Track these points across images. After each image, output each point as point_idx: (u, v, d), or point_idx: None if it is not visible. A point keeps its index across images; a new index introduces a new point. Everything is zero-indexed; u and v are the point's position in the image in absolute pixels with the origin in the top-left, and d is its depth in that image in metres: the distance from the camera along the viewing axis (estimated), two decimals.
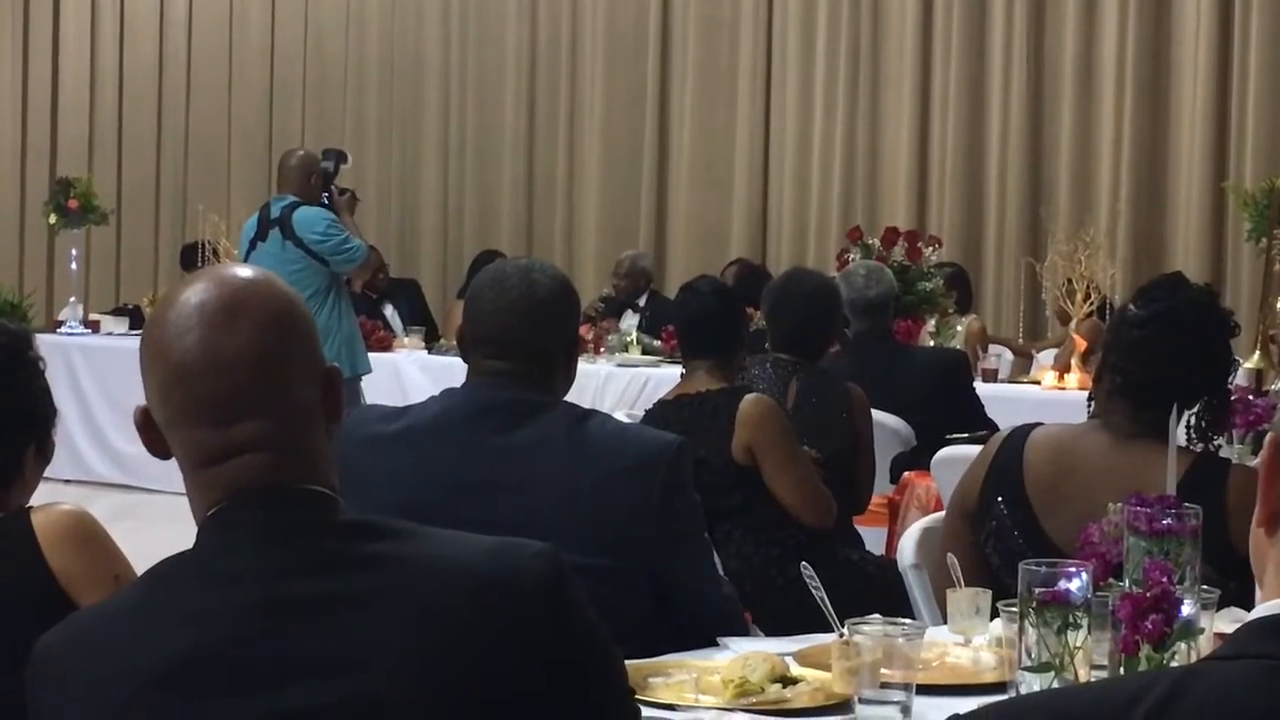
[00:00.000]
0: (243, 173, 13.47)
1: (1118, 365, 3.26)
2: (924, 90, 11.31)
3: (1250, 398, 3.64)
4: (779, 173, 11.85)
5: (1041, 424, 3.37)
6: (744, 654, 2.68)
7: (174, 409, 1.75)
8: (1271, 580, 1.36)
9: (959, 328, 9.22)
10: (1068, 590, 2.33)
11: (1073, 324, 8.20)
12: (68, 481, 9.63)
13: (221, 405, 1.74)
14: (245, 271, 1.82)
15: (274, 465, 1.74)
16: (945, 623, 3.05)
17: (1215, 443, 3.38)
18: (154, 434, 1.78)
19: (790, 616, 3.77)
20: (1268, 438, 1.39)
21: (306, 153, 8.36)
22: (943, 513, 3.72)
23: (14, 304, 10.36)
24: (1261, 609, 1.33)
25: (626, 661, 1.92)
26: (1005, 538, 3.26)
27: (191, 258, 11.48)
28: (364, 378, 8.10)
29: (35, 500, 2.93)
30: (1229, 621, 2.45)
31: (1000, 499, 3.28)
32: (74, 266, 11.08)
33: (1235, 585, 2.71)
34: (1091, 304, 8.11)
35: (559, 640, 1.70)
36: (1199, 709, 1.26)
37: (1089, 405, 3.41)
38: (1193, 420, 3.32)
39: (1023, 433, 3.34)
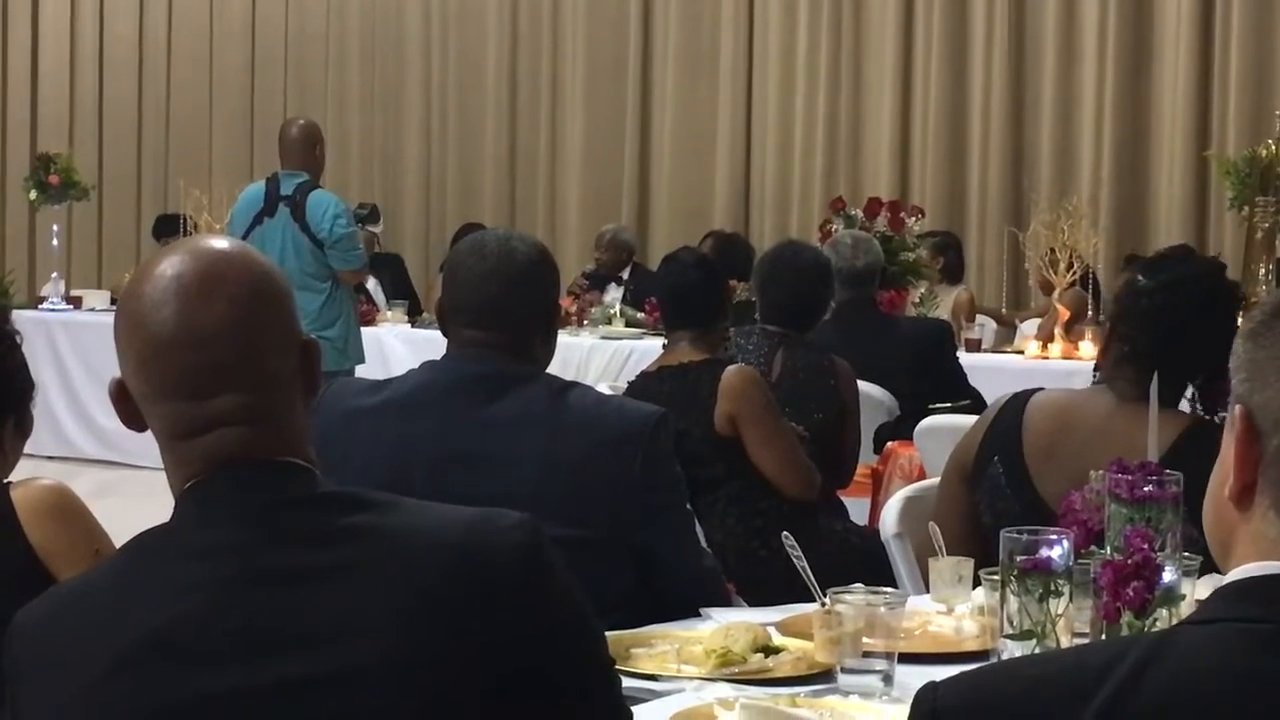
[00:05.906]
0: (224, 147, 13.44)
1: (1125, 334, 3.27)
2: (905, 61, 11.30)
3: None
4: (761, 145, 11.84)
5: (1044, 388, 3.38)
6: (726, 624, 2.68)
7: (151, 382, 1.74)
8: (1243, 548, 1.36)
9: (942, 299, 9.22)
10: (1049, 558, 2.32)
11: (1056, 293, 8.20)
12: (50, 458, 9.61)
13: (198, 378, 1.72)
14: (221, 243, 1.81)
15: (251, 438, 1.73)
16: (928, 592, 3.05)
17: (1221, 415, 3.38)
18: (129, 406, 1.77)
19: (773, 587, 3.77)
20: (1237, 410, 1.38)
21: (308, 122, 7.97)
22: (925, 482, 3.72)
23: None
24: (1234, 573, 1.34)
25: (608, 632, 1.91)
26: (999, 498, 3.27)
27: (164, 228, 11.44)
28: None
29: (16, 476, 2.92)
30: (1209, 588, 2.45)
31: (997, 458, 3.29)
32: (55, 243, 11.03)
33: None
34: (1074, 273, 8.11)
35: (538, 610, 1.69)
36: (1174, 673, 1.26)
37: (1094, 375, 3.42)
38: (1196, 393, 3.33)
39: (1025, 395, 3.36)
